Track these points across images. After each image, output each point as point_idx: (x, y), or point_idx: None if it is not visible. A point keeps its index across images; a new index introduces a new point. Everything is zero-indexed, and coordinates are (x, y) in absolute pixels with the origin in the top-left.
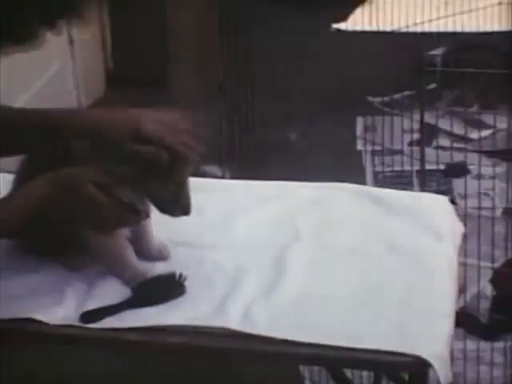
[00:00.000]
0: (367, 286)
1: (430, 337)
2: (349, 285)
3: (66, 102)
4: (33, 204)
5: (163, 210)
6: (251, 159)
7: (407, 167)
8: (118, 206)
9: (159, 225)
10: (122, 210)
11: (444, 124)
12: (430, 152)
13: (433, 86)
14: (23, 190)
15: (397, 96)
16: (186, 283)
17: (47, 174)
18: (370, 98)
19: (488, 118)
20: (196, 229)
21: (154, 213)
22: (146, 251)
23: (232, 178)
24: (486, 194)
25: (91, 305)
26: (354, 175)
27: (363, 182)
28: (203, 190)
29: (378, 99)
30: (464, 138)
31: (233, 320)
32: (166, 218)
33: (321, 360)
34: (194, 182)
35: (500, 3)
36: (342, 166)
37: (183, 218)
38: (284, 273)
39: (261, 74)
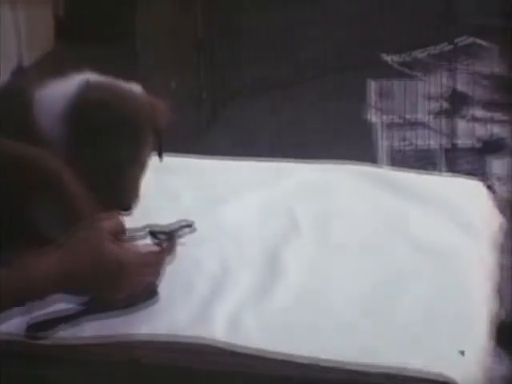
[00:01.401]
0: (380, 290)
1: (460, 355)
2: (357, 288)
3: (3, 58)
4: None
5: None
6: (236, 133)
7: (432, 144)
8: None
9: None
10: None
11: (479, 90)
12: (461, 125)
13: (466, 40)
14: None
15: (419, 53)
16: (160, 285)
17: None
18: (385, 56)
19: None
20: (172, 219)
21: None
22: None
23: (212, 156)
24: None
25: (41, 312)
26: (364, 153)
27: (375, 162)
28: (178, 171)
29: (396, 57)
30: (504, 108)
31: (217, 330)
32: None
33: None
34: (167, 162)
35: None
36: (349, 142)
37: (156, 206)
38: (278, 273)
39: (250, 25)
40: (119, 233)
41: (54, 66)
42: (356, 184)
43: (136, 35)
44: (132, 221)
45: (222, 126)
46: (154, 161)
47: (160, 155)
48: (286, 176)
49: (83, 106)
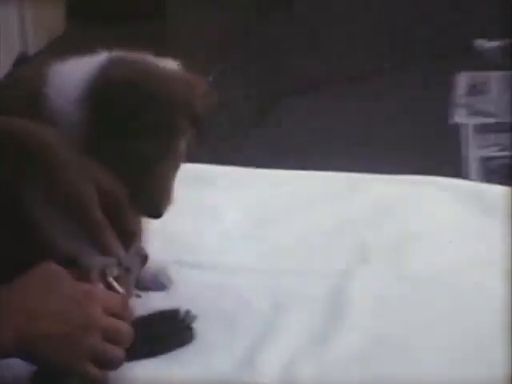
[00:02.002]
0: (469, 330)
1: None
2: (443, 329)
3: (4, 44)
4: None
5: None
6: (289, 137)
7: None
8: None
9: (154, 235)
10: None
11: None
12: None
13: None
14: None
15: None
16: (196, 324)
17: None
18: (479, 43)
19: None
20: (209, 242)
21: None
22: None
23: (260, 165)
24: None
25: None
26: (450, 163)
27: (464, 175)
28: (218, 182)
29: (491, 44)
30: None
31: (266, 380)
32: (164, 226)
33: None
34: (203, 172)
35: None
36: (431, 148)
37: (191, 228)
38: (343, 310)
39: (306, 4)
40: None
41: (65, 50)
42: (440, 201)
43: (166, 16)
44: (159, 247)
45: (271, 129)
46: (186, 169)
47: (199, 145)
48: (352, 190)
49: (105, 87)
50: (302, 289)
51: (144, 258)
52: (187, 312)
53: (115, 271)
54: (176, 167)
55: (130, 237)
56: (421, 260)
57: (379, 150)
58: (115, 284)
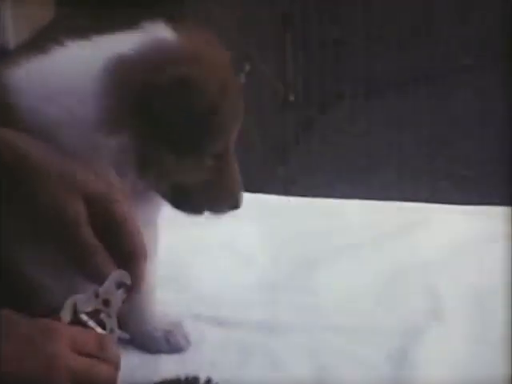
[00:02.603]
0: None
1: None
2: None
3: None
4: None
5: (187, 205)
6: (338, 154)
7: None
8: None
9: (165, 283)
10: None
11: None
12: None
13: None
14: None
15: None
16: None
17: None
18: None
19: None
20: (234, 292)
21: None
22: (142, 335)
23: (303, 190)
24: None
25: None
26: None
27: None
28: (248, 214)
29: None
30: None
31: None
32: (177, 271)
33: None
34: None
35: None
36: None
37: (207, 273)
38: (407, 381)
39: None
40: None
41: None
42: None
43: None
44: (172, 298)
45: (317, 143)
46: None
47: None
48: (421, 226)
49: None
50: (352, 351)
51: (127, 289)
52: (208, 380)
53: (89, 305)
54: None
55: (129, 259)
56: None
57: (453, 172)
58: (90, 322)
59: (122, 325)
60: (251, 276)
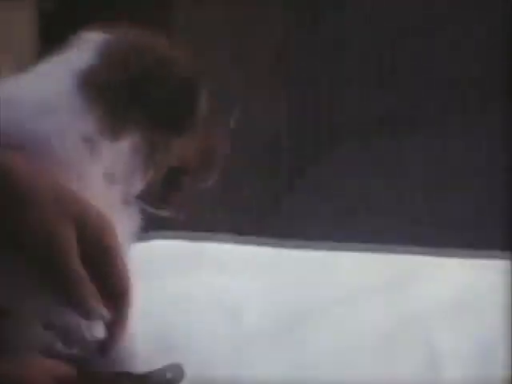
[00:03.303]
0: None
1: None
2: None
3: None
4: None
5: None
6: (335, 203)
7: None
8: None
9: (146, 339)
10: None
11: None
12: None
13: None
14: None
15: None
16: None
17: None
18: None
19: None
20: (223, 350)
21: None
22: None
23: (293, 240)
24: None
25: None
26: None
27: None
28: (235, 266)
29: None
30: None
31: None
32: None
33: None
34: (214, 251)
35: None
36: None
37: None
38: None
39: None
40: None
41: None
42: None
43: (170, 33)
44: (155, 357)
45: (310, 192)
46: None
47: None
48: (417, 279)
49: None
50: None
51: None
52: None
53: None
54: None
55: (117, 296)
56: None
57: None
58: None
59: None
60: (241, 332)
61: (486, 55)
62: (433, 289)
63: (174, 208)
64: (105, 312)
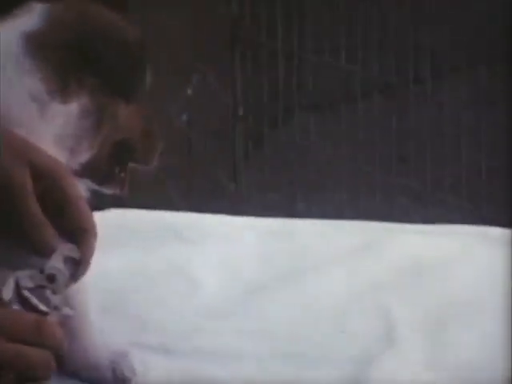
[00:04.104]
0: None
1: None
2: None
3: None
4: None
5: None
6: (291, 171)
7: None
8: None
9: (107, 311)
10: None
11: None
12: None
13: None
14: None
15: None
16: None
17: None
18: None
19: None
20: (182, 319)
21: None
22: (86, 368)
23: (251, 210)
24: None
25: None
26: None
27: None
28: (188, 235)
29: None
30: None
31: None
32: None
33: None
34: (173, 221)
35: None
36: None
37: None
38: None
39: None
40: None
41: None
42: (494, 261)
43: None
44: (115, 326)
45: (268, 159)
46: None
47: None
48: (375, 247)
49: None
50: (302, 379)
51: (75, 263)
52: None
53: (32, 281)
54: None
55: (78, 235)
56: (467, 344)
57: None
58: (33, 299)
59: (64, 359)
60: (200, 301)
61: None
62: (390, 258)
63: (119, 185)
64: (67, 251)
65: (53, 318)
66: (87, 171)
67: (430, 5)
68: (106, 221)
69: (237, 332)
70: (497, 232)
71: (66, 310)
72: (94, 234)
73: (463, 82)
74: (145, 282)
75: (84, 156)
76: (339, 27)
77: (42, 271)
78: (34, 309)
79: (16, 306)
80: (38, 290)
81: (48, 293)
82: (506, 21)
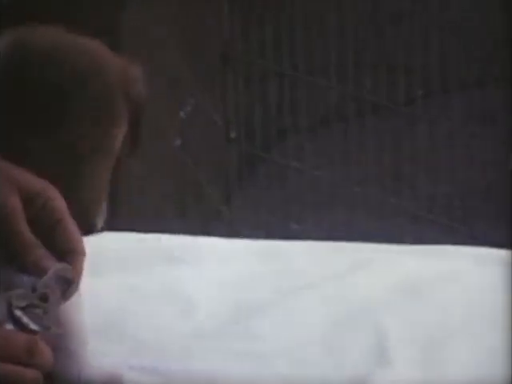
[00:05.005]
0: None
1: None
2: None
3: None
4: None
5: None
6: (284, 195)
7: None
8: None
9: (100, 332)
10: None
11: None
12: None
13: None
14: None
15: None
16: None
17: None
18: None
19: None
20: (177, 341)
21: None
22: None
23: (244, 233)
24: None
25: None
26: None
27: None
28: (183, 258)
29: None
30: None
31: None
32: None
33: None
34: (166, 243)
35: None
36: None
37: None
38: None
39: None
40: None
41: None
42: (487, 281)
43: (119, 32)
44: (108, 349)
45: (261, 185)
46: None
47: (135, 145)
48: (368, 267)
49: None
50: None
51: (67, 282)
52: None
53: (24, 300)
54: (110, 167)
55: (68, 255)
56: (458, 364)
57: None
58: (24, 318)
59: (56, 380)
60: (195, 323)
61: None
62: (383, 278)
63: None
64: (61, 270)
65: (42, 338)
66: None
67: (420, 26)
68: (102, 243)
69: (231, 353)
70: (491, 253)
71: (57, 330)
72: (84, 255)
73: (456, 101)
74: (139, 304)
75: None
76: (330, 47)
77: (34, 290)
78: (25, 328)
79: (8, 326)
80: (29, 309)
81: (39, 312)
82: (497, 41)
